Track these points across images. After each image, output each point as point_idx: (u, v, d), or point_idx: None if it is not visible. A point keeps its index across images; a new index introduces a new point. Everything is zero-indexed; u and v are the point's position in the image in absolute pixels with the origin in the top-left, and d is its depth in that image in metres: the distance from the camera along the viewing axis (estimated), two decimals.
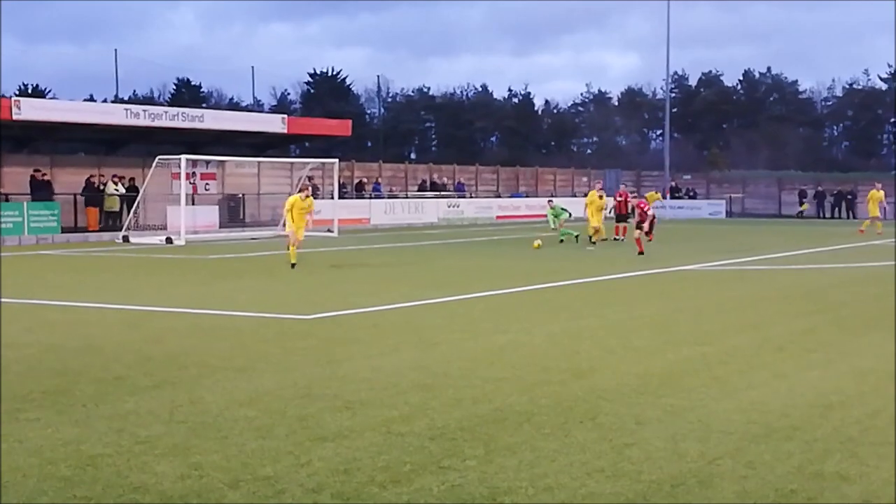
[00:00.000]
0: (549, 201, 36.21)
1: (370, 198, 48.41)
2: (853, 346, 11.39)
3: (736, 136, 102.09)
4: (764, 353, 10.85)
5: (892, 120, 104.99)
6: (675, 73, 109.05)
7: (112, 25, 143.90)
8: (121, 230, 34.57)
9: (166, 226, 34.70)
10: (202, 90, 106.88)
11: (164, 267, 23.81)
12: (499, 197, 57.79)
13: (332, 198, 40.35)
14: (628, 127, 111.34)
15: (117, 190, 37.53)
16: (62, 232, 33.80)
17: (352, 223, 42.51)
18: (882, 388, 9.00)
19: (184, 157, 34.14)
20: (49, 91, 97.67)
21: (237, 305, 15.17)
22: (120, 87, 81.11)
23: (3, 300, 15.62)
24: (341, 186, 44.06)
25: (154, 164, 34.95)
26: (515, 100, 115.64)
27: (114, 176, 37.95)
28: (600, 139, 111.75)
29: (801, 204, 60.38)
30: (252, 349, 11.06)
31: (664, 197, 57.32)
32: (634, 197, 34.42)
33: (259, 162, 43.63)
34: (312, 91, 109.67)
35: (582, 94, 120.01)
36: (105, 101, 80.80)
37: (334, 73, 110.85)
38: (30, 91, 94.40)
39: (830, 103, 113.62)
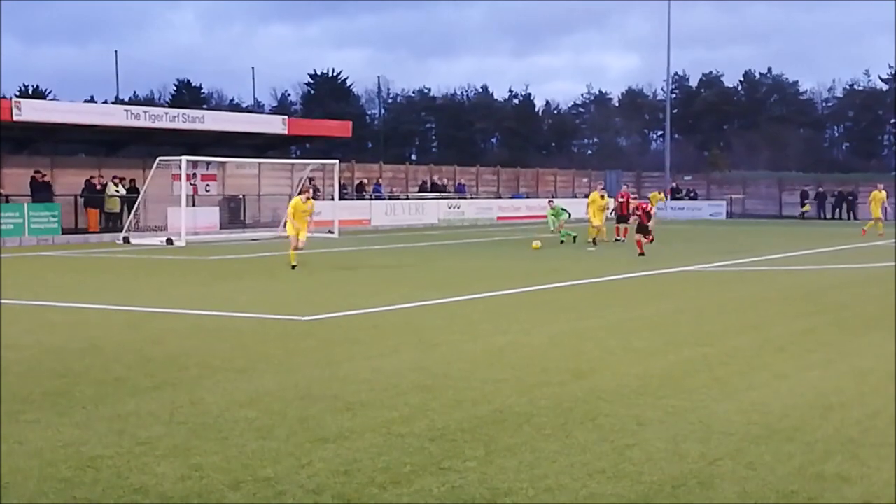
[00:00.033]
0: (550, 201, 36.22)
1: (371, 199, 48.42)
2: (853, 347, 11.39)
3: (736, 136, 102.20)
4: (764, 354, 10.84)
5: (893, 121, 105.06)
6: (676, 73, 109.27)
7: (112, 26, 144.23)
8: (121, 231, 34.59)
9: (167, 227, 34.71)
10: (203, 91, 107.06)
11: (165, 268, 23.82)
12: (499, 198, 57.81)
13: (333, 199, 40.34)
14: (629, 128, 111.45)
15: (118, 191, 37.54)
16: (63, 233, 33.81)
17: (352, 224, 42.51)
18: (882, 388, 9.00)
19: (184, 158, 34.13)
20: (49, 92, 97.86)
21: (238, 306, 15.17)
22: (120, 89, 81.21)
23: (4, 301, 15.62)
24: (342, 187, 44.07)
25: (154, 166, 34.97)
26: (516, 101, 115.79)
27: (114, 177, 37.96)
28: (601, 140, 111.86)
29: (804, 205, 60.40)
30: (252, 350, 11.06)
31: (666, 197, 57.32)
32: (636, 198, 34.40)
33: (259, 163, 43.63)
34: (313, 92, 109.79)
35: (582, 95, 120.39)
36: (105, 102, 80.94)
37: (335, 74, 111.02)
38: (30, 92, 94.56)
39: (831, 104, 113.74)
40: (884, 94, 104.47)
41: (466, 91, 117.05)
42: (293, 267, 21.74)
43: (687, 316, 14.28)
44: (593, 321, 13.66)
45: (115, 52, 78.01)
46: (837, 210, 60.31)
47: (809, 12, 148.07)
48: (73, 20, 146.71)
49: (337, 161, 40.83)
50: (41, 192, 35.06)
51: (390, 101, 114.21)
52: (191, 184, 37.64)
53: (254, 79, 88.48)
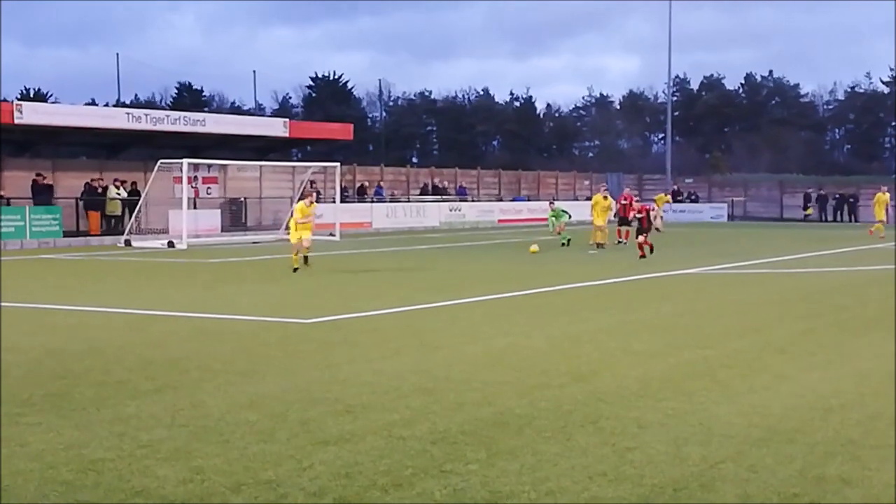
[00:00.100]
0: (551, 203, 36.21)
1: (372, 202, 48.46)
2: (853, 349, 11.39)
3: (738, 139, 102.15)
4: (765, 357, 10.84)
5: (894, 123, 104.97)
6: (677, 76, 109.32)
7: (113, 28, 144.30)
8: (122, 234, 34.60)
9: (168, 230, 34.74)
10: (204, 94, 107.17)
11: (166, 271, 23.83)
12: (500, 201, 57.83)
13: (334, 201, 40.37)
14: (630, 130, 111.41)
15: (119, 194, 37.57)
16: (64, 236, 33.86)
17: (353, 227, 42.54)
18: (882, 390, 8.99)
19: (185, 160, 34.14)
20: (51, 95, 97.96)
21: (239, 309, 15.18)
22: (121, 91, 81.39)
23: (5, 304, 15.64)
24: (343, 190, 44.11)
25: (156, 168, 34.99)
26: (517, 103, 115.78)
27: (115, 180, 37.99)
28: (602, 143, 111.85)
29: (807, 208, 60.41)
30: (254, 353, 11.06)
31: (672, 200, 57.28)
32: (638, 201, 34.39)
33: (261, 166, 43.68)
34: (314, 95, 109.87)
35: (583, 98, 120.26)
36: (107, 104, 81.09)
37: (336, 76, 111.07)
38: (31, 95, 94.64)
39: (832, 107, 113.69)
40: (885, 96, 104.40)
41: (467, 94, 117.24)
42: (295, 270, 21.77)
43: (687, 318, 14.28)
44: (594, 323, 13.66)
45: (117, 54, 78.17)
46: (839, 213, 60.31)
47: (810, 14, 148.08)
48: (73, 22, 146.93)
49: (338, 164, 40.90)
50: (42, 195, 35.10)
51: (391, 103, 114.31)
52: (192, 187, 37.68)
53: (255, 81, 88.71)
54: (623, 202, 33.50)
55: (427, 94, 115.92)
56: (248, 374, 9.74)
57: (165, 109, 76.46)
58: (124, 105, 75.03)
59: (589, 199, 37.42)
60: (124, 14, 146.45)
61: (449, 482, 6.20)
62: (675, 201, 61.87)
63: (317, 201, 25.51)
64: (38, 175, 35.72)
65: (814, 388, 9.17)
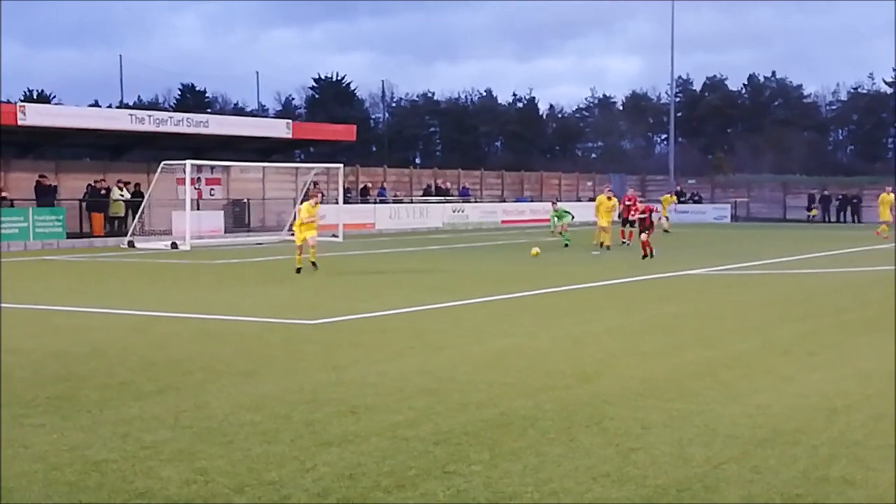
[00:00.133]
0: (554, 203, 36.21)
1: (375, 203, 48.47)
2: (856, 349, 11.38)
3: (741, 140, 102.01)
4: (769, 357, 10.83)
5: None
6: (680, 77, 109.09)
7: (116, 30, 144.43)
8: (126, 235, 34.63)
9: (171, 231, 34.77)
10: (207, 95, 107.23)
11: (169, 272, 23.85)
12: (504, 202, 57.82)
13: (337, 203, 40.38)
14: (633, 131, 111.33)
15: (122, 195, 37.61)
16: (67, 237, 33.88)
17: (357, 228, 42.56)
18: (886, 390, 8.99)
19: (189, 162, 34.14)
20: (54, 96, 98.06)
21: (242, 310, 15.18)
22: (125, 93, 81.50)
23: (9, 306, 15.65)
24: (346, 191, 44.11)
25: (159, 170, 35.01)
26: (520, 104, 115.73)
27: (119, 181, 38.03)
28: (605, 144, 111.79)
29: (811, 209, 60.36)
30: (257, 354, 11.07)
31: (677, 200, 57.22)
32: (642, 201, 34.36)
33: (264, 167, 43.71)
34: (317, 96, 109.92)
35: (586, 99, 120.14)
36: (110, 106, 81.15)
37: (339, 78, 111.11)
38: (35, 96, 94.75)
39: (835, 107, 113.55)
40: (888, 97, 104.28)
41: (470, 95, 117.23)
42: (298, 270, 21.77)
43: (691, 319, 14.28)
44: (597, 324, 13.66)
45: (120, 56, 78.22)
46: (842, 213, 60.25)
47: (813, 15, 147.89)
48: (74, 23, 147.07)
49: (341, 165, 40.90)
50: (46, 197, 35.16)
51: (394, 104, 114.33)
52: (195, 188, 37.68)
53: (258, 83, 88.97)
54: (627, 203, 33.52)
55: (430, 95, 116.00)
56: (251, 376, 9.74)
57: (168, 111, 76.50)
58: (127, 106, 75.09)
59: (592, 199, 37.38)
60: (124, 14, 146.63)
61: (452, 483, 6.20)
62: (678, 202, 61.83)
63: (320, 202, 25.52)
64: (41, 176, 35.78)
65: (817, 388, 9.16)
